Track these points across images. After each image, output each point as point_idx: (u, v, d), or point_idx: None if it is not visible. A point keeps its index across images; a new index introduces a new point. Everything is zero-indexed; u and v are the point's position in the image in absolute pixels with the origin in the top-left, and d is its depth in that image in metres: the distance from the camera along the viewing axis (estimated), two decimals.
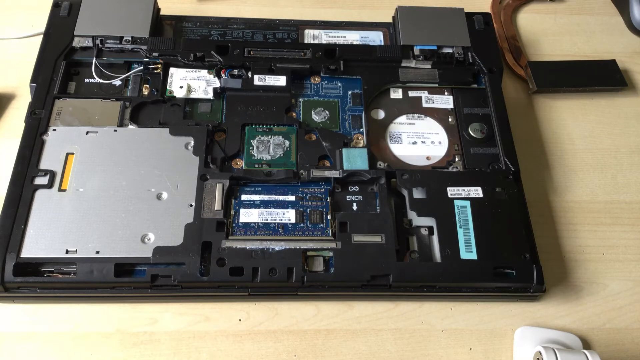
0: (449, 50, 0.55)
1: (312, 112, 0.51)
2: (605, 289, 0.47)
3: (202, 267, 0.42)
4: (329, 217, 0.45)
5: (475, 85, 0.54)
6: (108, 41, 0.52)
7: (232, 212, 0.45)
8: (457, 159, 0.50)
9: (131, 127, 0.48)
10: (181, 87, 0.51)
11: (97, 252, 0.42)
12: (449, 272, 0.43)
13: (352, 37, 0.57)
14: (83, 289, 0.41)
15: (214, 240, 0.43)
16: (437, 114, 0.53)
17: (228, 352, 0.42)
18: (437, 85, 0.54)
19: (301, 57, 0.53)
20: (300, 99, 0.52)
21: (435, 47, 0.54)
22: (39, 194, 0.44)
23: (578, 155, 0.54)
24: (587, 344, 0.44)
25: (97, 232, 0.42)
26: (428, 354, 0.43)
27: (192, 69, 0.52)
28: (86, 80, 0.52)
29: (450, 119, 0.52)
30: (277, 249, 0.43)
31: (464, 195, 0.46)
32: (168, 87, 0.51)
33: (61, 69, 0.50)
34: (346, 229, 0.44)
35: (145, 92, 0.51)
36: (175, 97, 0.50)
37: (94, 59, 0.51)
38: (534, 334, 0.44)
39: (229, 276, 0.41)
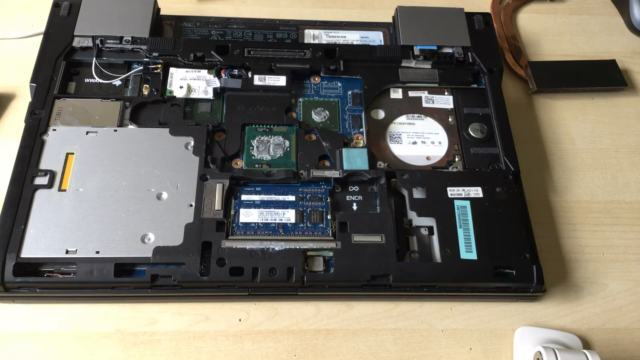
0: (449, 50, 0.55)
1: (312, 112, 0.51)
2: (605, 289, 0.47)
3: (202, 267, 0.42)
4: (329, 217, 0.45)
5: (475, 85, 0.54)
6: (108, 41, 0.52)
7: (232, 212, 0.45)
8: (457, 159, 0.50)
9: (131, 127, 0.48)
10: (181, 87, 0.51)
11: (97, 252, 0.42)
12: (449, 272, 0.43)
13: (352, 37, 0.57)
14: (83, 289, 0.41)
15: (214, 240, 0.43)
16: (437, 114, 0.53)
17: (228, 352, 0.42)
18: (437, 85, 0.54)
19: (301, 57, 0.53)
20: (300, 99, 0.52)
21: (435, 47, 0.54)
22: (39, 194, 0.44)
23: (578, 155, 0.54)
24: (587, 344, 0.44)
25: (97, 232, 0.42)
26: (428, 354, 0.43)
27: (192, 69, 0.52)
28: (86, 80, 0.52)
29: (450, 119, 0.52)
30: (277, 249, 0.43)
31: (464, 195, 0.46)
32: (168, 87, 0.51)
33: (61, 69, 0.50)
34: (346, 229, 0.44)
35: (145, 92, 0.51)
36: (175, 97, 0.50)
37: (94, 59, 0.51)
38: (534, 334, 0.44)
39: (229, 276, 0.41)
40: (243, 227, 0.44)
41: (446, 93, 0.54)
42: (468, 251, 0.43)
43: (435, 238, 0.44)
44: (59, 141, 0.46)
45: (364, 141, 0.50)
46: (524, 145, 0.53)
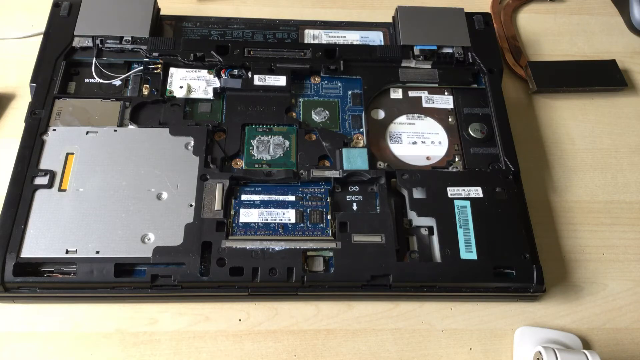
0: (449, 50, 0.55)
1: (312, 112, 0.51)
2: (605, 289, 0.47)
3: (202, 267, 0.42)
4: (329, 217, 0.45)
5: (475, 85, 0.54)
6: (108, 41, 0.52)
7: (232, 212, 0.45)
8: (457, 159, 0.50)
9: (131, 127, 0.48)
10: (181, 87, 0.51)
11: (97, 252, 0.42)
12: (449, 272, 0.43)
13: (352, 37, 0.57)
14: (83, 289, 0.41)
15: (214, 240, 0.43)
16: (437, 114, 0.53)
17: (228, 352, 0.42)
18: (437, 85, 0.54)
19: (301, 57, 0.53)
20: (300, 99, 0.52)
21: (435, 47, 0.54)
22: (39, 194, 0.44)
23: (578, 155, 0.54)
24: (587, 344, 0.44)
25: (97, 232, 0.42)
26: (428, 354, 0.43)
27: (192, 69, 0.52)
28: (86, 80, 0.52)
29: (450, 119, 0.52)
30: (277, 249, 0.43)
31: (464, 195, 0.46)
32: (168, 87, 0.51)
33: (61, 69, 0.50)
34: (346, 229, 0.44)
35: (145, 92, 0.51)
36: (175, 97, 0.50)
37: (94, 59, 0.51)
38: (534, 334, 0.44)
39: (229, 276, 0.41)
40: (243, 227, 0.44)
41: (446, 93, 0.54)
42: (468, 251, 0.43)
43: (435, 238, 0.44)
44: (59, 141, 0.46)
45: (364, 141, 0.50)
46: (524, 145, 0.53)
